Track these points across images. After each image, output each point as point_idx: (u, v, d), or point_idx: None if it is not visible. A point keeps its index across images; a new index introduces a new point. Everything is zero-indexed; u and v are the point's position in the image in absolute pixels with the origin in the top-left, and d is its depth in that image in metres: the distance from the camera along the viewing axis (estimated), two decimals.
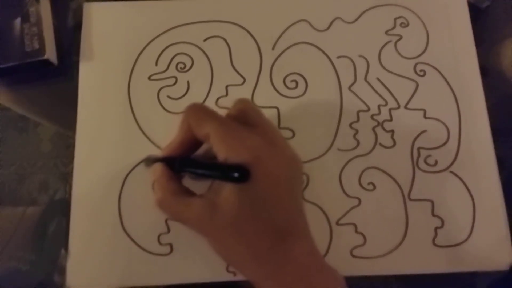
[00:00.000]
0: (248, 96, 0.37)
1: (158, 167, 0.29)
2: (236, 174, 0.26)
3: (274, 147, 0.28)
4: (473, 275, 0.34)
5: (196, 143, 0.30)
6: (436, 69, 0.37)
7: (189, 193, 0.29)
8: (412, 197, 0.35)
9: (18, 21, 0.37)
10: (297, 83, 0.38)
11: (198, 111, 0.29)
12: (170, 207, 0.28)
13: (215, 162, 0.27)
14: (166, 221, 0.34)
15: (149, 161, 0.33)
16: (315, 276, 0.26)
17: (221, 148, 0.27)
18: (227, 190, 0.26)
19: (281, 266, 0.26)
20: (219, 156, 0.27)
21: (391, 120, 0.36)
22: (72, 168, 0.36)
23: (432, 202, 0.35)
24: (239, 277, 0.33)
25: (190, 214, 0.27)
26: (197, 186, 0.30)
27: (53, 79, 0.39)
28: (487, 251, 0.34)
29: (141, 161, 0.35)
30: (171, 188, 0.28)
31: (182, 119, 0.29)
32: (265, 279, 0.26)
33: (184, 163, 0.29)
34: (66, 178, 0.37)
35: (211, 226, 0.27)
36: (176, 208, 0.28)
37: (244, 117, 0.29)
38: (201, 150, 0.31)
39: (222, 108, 0.37)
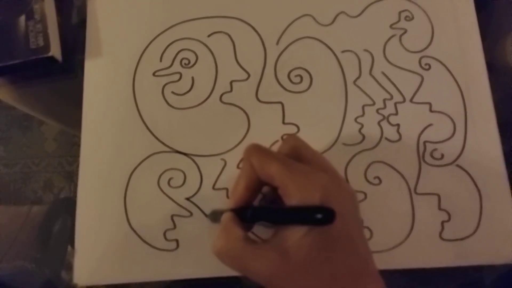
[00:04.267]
0: (253, 91, 0.37)
1: (227, 215, 0.28)
2: (319, 216, 0.24)
3: (338, 183, 0.27)
4: (480, 268, 0.34)
5: (260, 186, 0.28)
6: (441, 63, 0.37)
7: (255, 242, 0.27)
8: (418, 191, 0.35)
9: (22, 18, 0.37)
10: (301, 77, 0.37)
11: (259, 151, 0.27)
12: (235, 255, 0.26)
13: (295, 207, 0.25)
14: (172, 217, 0.34)
15: (216, 214, 0.31)
16: None
17: (292, 189, 0.25)
18: (297, 234, 0.25)
19: None
20: (289, 198, 0.26)
21: (396, 114, 0.36)
22: (77, 166, 0.36)
23: (439, 196, 0.34)
24: None
25: (259, 263, 0.25)
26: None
27: (58, 77, 0.39)
28: (494, 245, 0.33)
29: (206, 216, 0.34)
30: (238, 234, 0.26)
31: (243, 162, 0.28)
32: None
33: (257, 212, 0.27)
34: (71, 176, 0.37)
35: (283, 273, 0.25)
36: (242, 257, 0.26)
37: (297, 154, 0.28)
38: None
39: (227, 104, 0.37)
